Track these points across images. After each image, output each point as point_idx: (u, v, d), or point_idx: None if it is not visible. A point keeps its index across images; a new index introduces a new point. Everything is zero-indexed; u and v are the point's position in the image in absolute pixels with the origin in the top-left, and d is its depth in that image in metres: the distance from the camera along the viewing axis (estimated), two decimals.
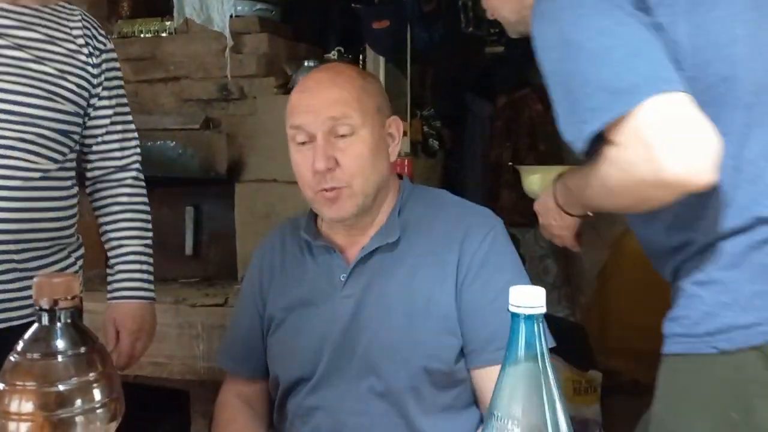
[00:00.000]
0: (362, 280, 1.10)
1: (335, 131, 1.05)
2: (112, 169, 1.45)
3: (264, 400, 1.22)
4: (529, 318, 0.62)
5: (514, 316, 0.62)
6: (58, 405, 0.55)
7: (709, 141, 0.79)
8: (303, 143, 1.07)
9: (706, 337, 0.91)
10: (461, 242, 1.08)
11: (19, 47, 1.25)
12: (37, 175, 1.28)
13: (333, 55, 2.59)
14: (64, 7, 1.37)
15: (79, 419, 0.56)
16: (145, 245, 1.47)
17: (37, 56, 1.27)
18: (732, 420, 0.89)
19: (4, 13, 1.26)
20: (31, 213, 1.27)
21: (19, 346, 0.57)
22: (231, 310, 2.34)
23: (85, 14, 1.41)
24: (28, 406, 0.55)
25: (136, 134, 1.51)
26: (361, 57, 2.54)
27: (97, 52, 1.38)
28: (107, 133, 1.43)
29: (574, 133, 0.87)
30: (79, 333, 0.58)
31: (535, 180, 1.46)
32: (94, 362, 0.58)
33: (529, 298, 0.62)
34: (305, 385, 1.10)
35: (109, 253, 1.45)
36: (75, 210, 1.39)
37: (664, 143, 0.78)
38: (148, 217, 1.50)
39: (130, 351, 1.42)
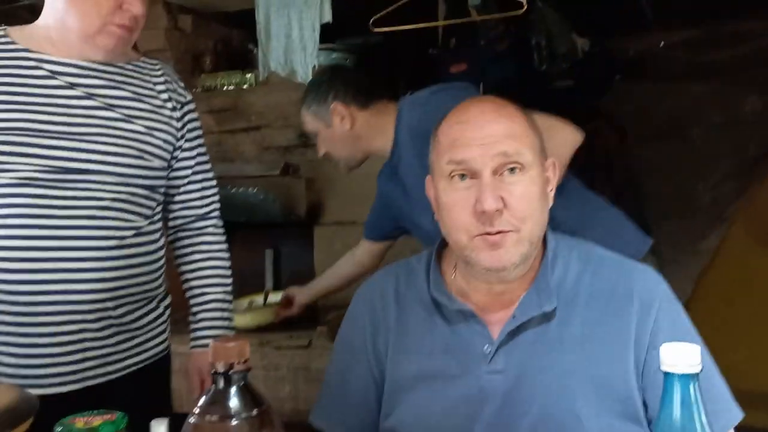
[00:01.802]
0: (515, 355, 0.96)
1: (503, 168, 0.93)
2: (192, 218, 1.47)
3: None
4: (685, 377, 0.61)
5: (668, 375, 0.61)
6: None
7: None
8: (462, 181, 0.95)
9: None
10: (635, 310, 0.95)
11: (109, 107, 1.29)
12: (131, 233, 1.31)
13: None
14: (146, 62, 1.40)
15: None
16: (225, 292, 1.48)
17: (126, 115, 1.30)
18: None
19: (93, 73, 1.29)
20: (127, 270, 1.30)
21: (197, 408, 0.61)
22: (315, 353, 2.38)
23: (166, 68, 1.44)
24: None
25: (215, 182, 1.52)
26: None
27: (179, 105, 1.40)
28: (189, 183, 1.45)
29: None
30: (251, 395, 0.61)
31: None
32: (265, 424, 0.61)
33: (684, 356, 0.61)
34: None
35: (191, 301, 1.47)
36: (163, 261, 1.41)
37: None
38: (228, 263, 1.51)
39: None
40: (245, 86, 2.69)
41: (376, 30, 2.20)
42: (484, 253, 0.94)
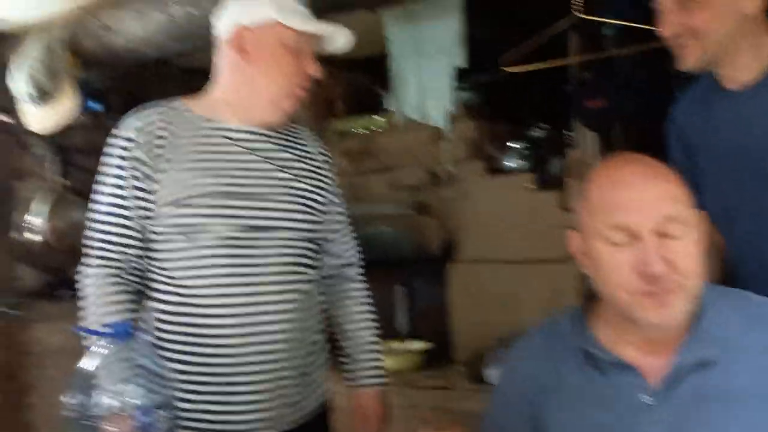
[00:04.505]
0: (676, 404, 0.96)
1: (664, 230, 0.95)
2: (340, 266, 1.55)
3: None
4: None
5: None
6: None
7: None
8: (621, 243, 0.96)
9: None
10: None
11: (281, 168, 1.39)
12: (310, 285, 1.41)
13: (538, 132, 2.63)
14: (294, 127, 1.50)
15: None
16: (376, 334, 1.56)
17: (295, 174, 1.40)
18: None
19: (264, 138, 1.39)
20: (309, 320, 1.39)
21: None
22: (454, 394, 2.38)
23: (309, 131, 1.54)
24: None
25: (352, 228, 1.59)
26: (566, 132, 2.53)
27: (327, 165, 1.50)
28: (337, 233, 1.52)
29: None
30: None
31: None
32: None
33: None
34: None
35: (345, 343, 1.54)
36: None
37: None
38: (373, 307, 1.58)
39: None
40: (376, 129, 2.77)
41: (507, 69, 2.21)
42: (650, 311, 0.95)
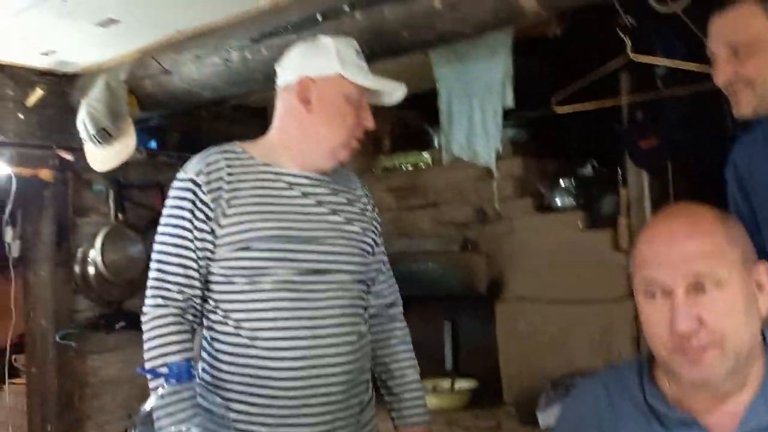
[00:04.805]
0: None
1: (697, 287, 0.93)
2: (384, 306, 1.57)
3: None
4: None
5: None
6: None
7: None
8: (656, 298, 0.96)
9: None
10: None
11: (335, 212, 1.43)
12: (365, 327, 1.43)
13: (587, 170, 2.60)
14: (342, 171, 1.52)
15: None
16: (419, 372, 1.57)
17: (347, 218, 1.44)
18: None
19: (318, 183, 1.43)
20: (362, 360, 1.42)
21: None
22: None
23: (353, 174, 1.58)
24: None
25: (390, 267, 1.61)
26: (618, 170, 2.50)
27: (371, 207, 1.54)
28: (380, 274, 1.55)
29: None
30: None
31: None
32: None
33: None
34: None
35: (389, 382, 1.55)
36: None
37: None
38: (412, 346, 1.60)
39: None
40: (422, 165, 2.79)
41: (559, 111, 2.21)
42: (685, 368, 0.94)
